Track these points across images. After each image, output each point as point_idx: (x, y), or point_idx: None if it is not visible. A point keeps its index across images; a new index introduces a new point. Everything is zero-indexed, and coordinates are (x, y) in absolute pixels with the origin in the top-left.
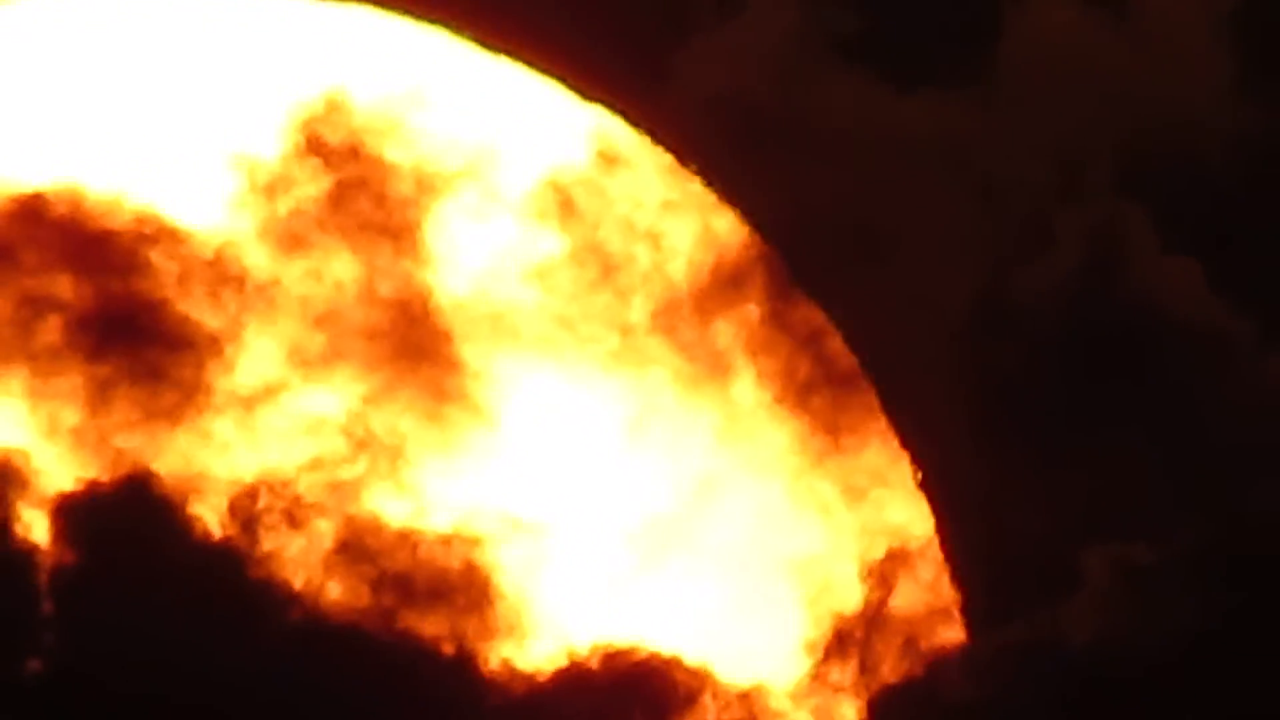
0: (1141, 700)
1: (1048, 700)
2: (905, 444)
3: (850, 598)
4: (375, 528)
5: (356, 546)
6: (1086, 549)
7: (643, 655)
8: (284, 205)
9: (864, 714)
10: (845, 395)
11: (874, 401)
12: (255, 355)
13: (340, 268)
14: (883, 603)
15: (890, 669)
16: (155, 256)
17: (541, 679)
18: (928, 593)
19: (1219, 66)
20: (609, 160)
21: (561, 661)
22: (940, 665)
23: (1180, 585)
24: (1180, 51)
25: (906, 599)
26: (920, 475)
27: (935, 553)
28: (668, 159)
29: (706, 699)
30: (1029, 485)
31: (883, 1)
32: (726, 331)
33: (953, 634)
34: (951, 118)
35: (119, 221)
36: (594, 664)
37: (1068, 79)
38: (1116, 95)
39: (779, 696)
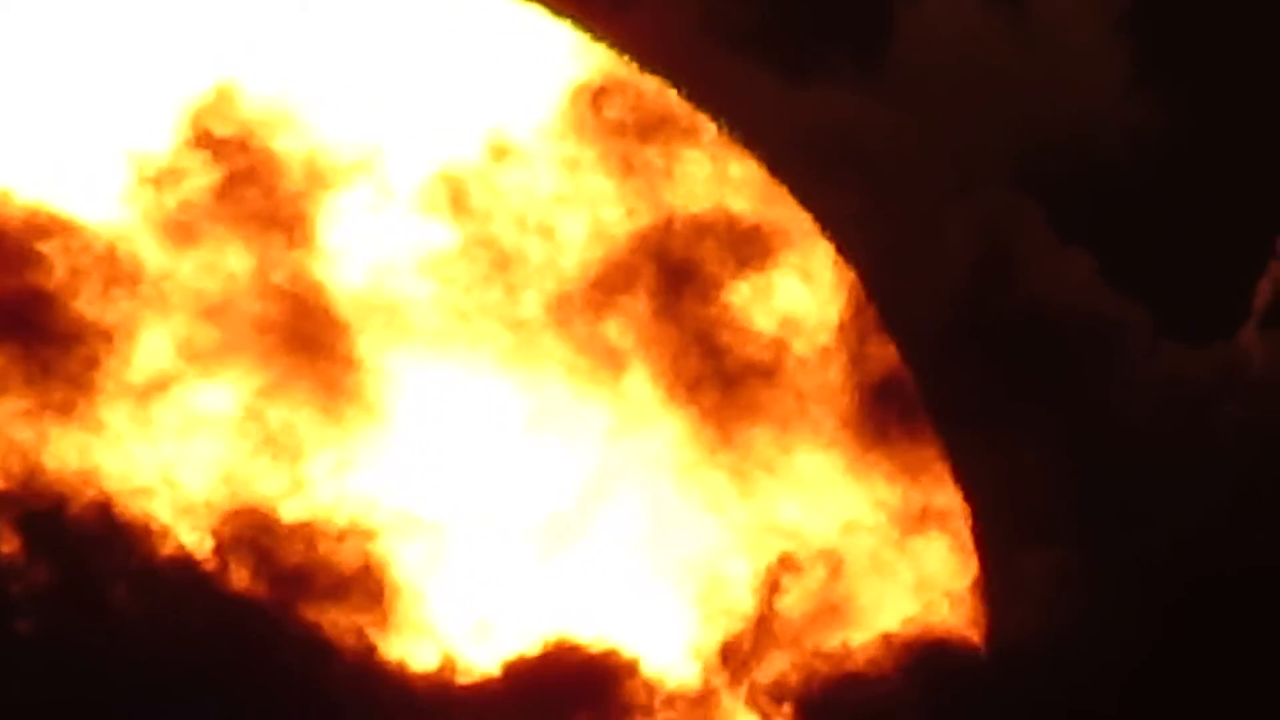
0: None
1: (975, 703)
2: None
3: (749, 594)
4: (269, 523)
5: (250, 541)
6: (982, 549)
7: (541, 651)
8: (176, 198)
9: (763, 712)
10: (738, 389)
11: (768, 396)
12: (148, 349)
13: (233, 261)
14: (775, 601)
15: (792, 668)
16: (47, 251)
17: (436, 676)
18: (826, 590)
19: (1113, 63)
20: (501, 154)
21: (459, 659)
22: (861, 665)
23: (1084, 589)
24: (1075, 47)
25: (805, 597)
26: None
27: (832, 548)
28: (562, 152)
29: (608, 694)
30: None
31: None
32: (619, 325)
33: (849, 632)
34: (845, 111)
35: (10, 216)
36: (492, 661)
37: (962, 73)
38: (1010, 90)
39: (679, 694)
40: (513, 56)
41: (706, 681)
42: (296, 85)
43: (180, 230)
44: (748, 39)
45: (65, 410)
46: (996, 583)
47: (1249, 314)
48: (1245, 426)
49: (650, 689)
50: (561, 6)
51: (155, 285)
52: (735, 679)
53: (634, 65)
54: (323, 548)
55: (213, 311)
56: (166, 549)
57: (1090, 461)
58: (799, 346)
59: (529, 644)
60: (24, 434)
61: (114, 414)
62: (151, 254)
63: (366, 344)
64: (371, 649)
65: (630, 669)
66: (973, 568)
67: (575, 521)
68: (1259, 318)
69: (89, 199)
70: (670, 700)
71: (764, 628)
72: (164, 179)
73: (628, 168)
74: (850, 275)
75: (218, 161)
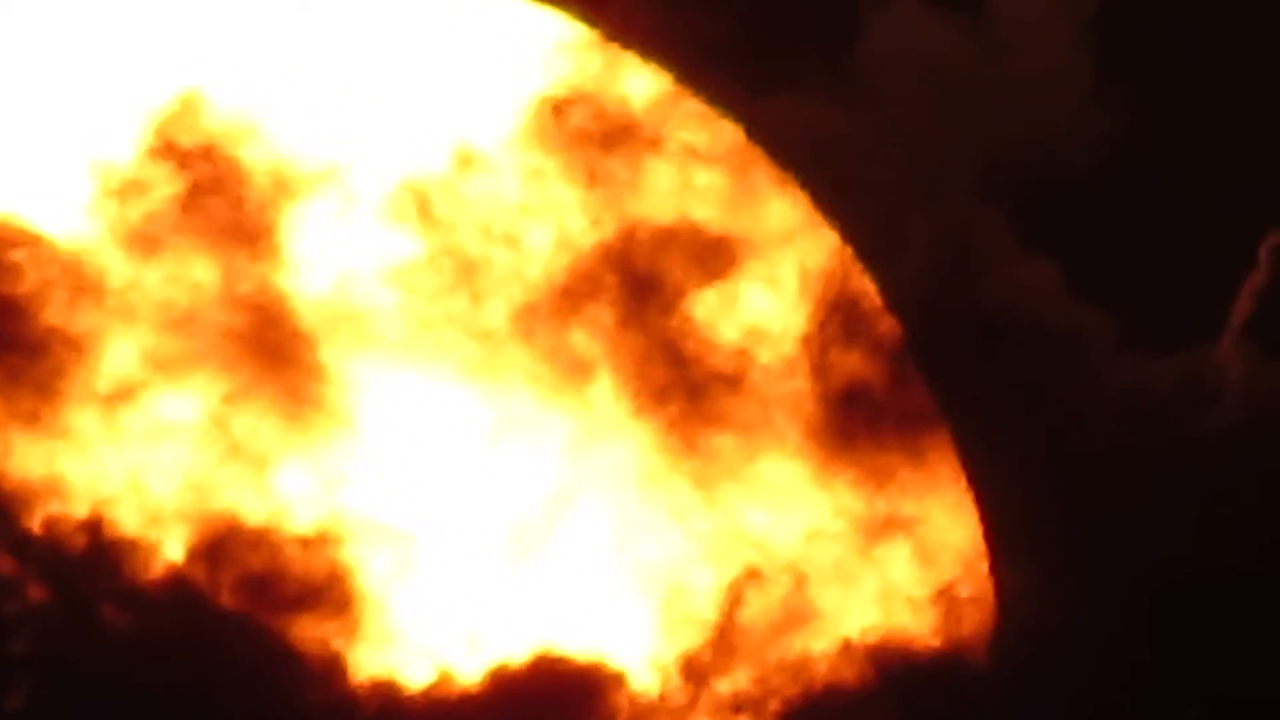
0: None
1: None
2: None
3: (714, 603)
4: (235, 532)
5: (216, 551)
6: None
7: (507, 663)
8: (141, 208)
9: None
10: (703, 399)
11: (733, 405)
12: (114, 358)
13: (199, 271)
14: (739, 610)
15: (755, 677)
16: (13, 261)
17: (401, 687)
18: (790, 599)
19: (1078, 71)
20: (466, 164)
21: (424, 670)
22: (824, 673)
23: (1050, 599)
24: (1039, 56)
25: (769, 605)
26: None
27: (796, 557)
28: (526, 162)
29: (574, 705)
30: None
31: (741, 3)
32: (584, 335)
33: (812, 640)
34: (810, 119)
35: None
36: (456, 672)
37: (927, 83)
38: (975, 99)
39: (643, 703)
40: (478, 66)
41: (670, 691)
42: (261, 95)
43: (146, 240)
44: (714, 47)
45: (31, 419)
46: (966, 590)
47: (1217, 324)
48: (1215, 436)
49: (615, 699)
50: None
51: (121, 295)
52: (698, 688)
53: (600, 75)
54: (287, 556)
55: (179, 321)
56: (133, 556)
57: (1052, 470)
58: (763, 356)
59: (494, 653)
60: None
61: (80, 422)
62: (117, 264)
63: (332, 354)
64: (336, 656)
65: (597, 679)
66: (942, 576)
67: (540, 531)
68: (1237, 329)
69: (55, 210)
70: (634, 710)
71: (728, 636)
72: (129, 189)
73: (592, 177)
74: (813, 284)
75: (183, 172)
